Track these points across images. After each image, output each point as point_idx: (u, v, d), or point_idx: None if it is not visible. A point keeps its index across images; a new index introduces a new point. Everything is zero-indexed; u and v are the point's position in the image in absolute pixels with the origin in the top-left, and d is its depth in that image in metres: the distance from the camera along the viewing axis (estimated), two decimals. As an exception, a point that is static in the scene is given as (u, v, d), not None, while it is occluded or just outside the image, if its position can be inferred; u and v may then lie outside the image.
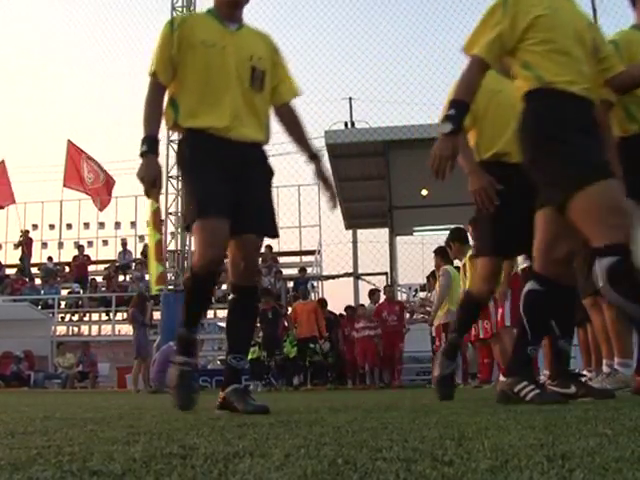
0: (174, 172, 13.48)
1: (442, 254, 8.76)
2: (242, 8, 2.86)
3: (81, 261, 18.45)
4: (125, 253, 18.64)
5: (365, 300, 12.82)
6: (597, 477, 0.93)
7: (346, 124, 15.81)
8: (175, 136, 13.50)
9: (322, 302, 12.97)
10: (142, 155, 2.76)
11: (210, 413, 2.73)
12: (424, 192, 15.79)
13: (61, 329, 17.55)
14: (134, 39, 18.85)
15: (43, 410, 3.42)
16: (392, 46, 16.22)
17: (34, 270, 19.03)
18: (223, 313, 16.53)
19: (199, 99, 2.74)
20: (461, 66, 2.89)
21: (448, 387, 3.70)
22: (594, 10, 12.72)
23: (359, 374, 11.54)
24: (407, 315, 11.79)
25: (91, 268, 18.97)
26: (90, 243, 19.45)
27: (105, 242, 19.58)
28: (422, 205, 15.67)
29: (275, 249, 17.41)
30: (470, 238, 7.25)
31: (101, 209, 17.93)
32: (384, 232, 17.03)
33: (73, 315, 17.69)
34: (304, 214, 18.29)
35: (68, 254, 19.40)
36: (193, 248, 10.66)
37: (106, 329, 17.31)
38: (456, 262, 8.93)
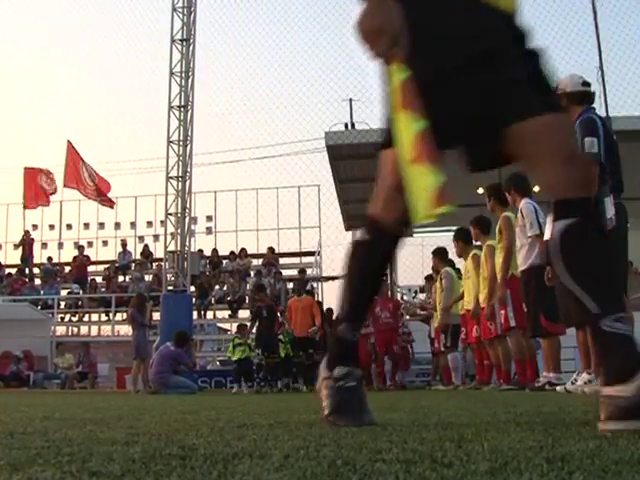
0: (174, 173, 13.46)
1: (441, 256, 8.83)
2: None
3: (81, 261, 18.46)
4: (125, 254, 18.63)
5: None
6: None
7: (346, 125, 15.82)
8: (175, 136, 13.57)
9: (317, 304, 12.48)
10: None
11: (209, 414, 2.73)
12: None
13: (60, 329, 17.54)
14: (134, 39, 18.90)
15: (42, 410, 3.41)
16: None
17: (34, 270, 19.06)
18: (222, 314, 16.84)
19: None
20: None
21: None
22: (594, 13, 12.70)
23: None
24: (401, 313, 11.10)
25: (91, 268, 18.99)
26: (90, 243, 19.45)
27: (105, 242, 19.59)
28: None
29: (275, 250, 17.49)
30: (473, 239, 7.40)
31: (111, 206, 17.92)
32: None
33: (73, 315, 17.66)
34: (304, 215, 18.32)
35: (68, 254, 19.46)
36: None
37: (105, 329, 17.32)
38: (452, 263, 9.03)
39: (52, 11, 25.60)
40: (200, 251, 16.81)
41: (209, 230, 18.66)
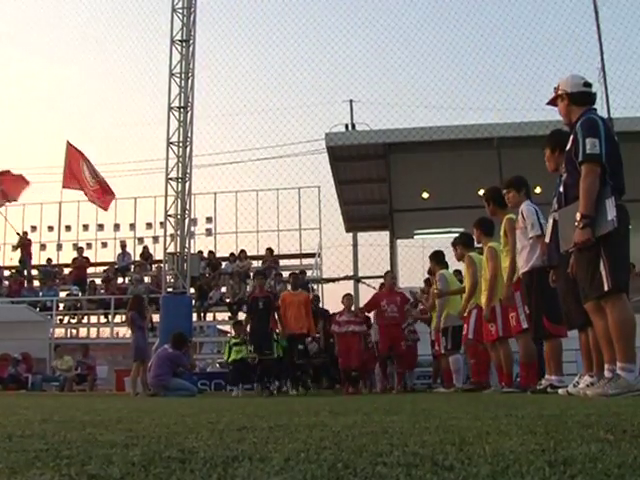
0: (174, 174, 13.46)
1: (437, 259, 8.84)
2: None
3: (80, 263, 18.44)
4: (124, 255, 18.61)
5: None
6: (599, 483, 0.93)
7: (347, 126, 15.89)
8: (175, 137, 13.57)
9: (314, 298, 12.14)
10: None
11: (209, 416, 2.72)
12: (425, 195, 15.87)
13: (59, 331, 17.54)
14: (134, 40, 18.95)
15: (41, 413, 3.41)
16: (393, 49, 16.28)
17: (32, 272, 19.05)
18: (222, 315, 16.89)
19: None
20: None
21: None
22: (596, 14, 12.70)
23: (349, 377, 10.02)
24: (407, 309, 10.38)
25: (90, 270, 18.97)
26: (89, 245, 19.44)
27: (104, 244, 19.58)
28: (423, 208, 15.68)
29: (275, 252, 17.46)
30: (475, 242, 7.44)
31: (106, 208, 17.89)
32: (385, 235, 17.05)
33: (72, 317, 17.61)
34: (304, 217, 18.30)
35: (67, 256, 19.44)
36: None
37: (105, 332, 17.29)
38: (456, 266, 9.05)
39: (51, 11, 25.48)
40: (200, 252, 16.81)
41: (209, 232, 18.69)
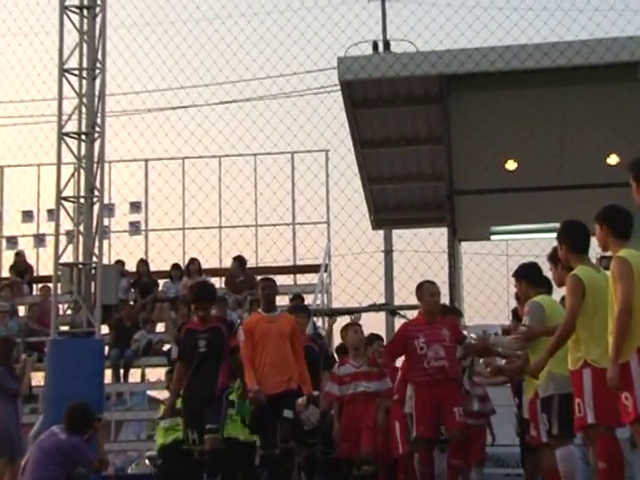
0: (72, 126, 12.93)
1: (528, 277, 8.49)
2: None
3: None
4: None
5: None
6: None
7: (375, 45, 15.77)
8: (73, 61, 13.05)
9: (302, 310, 10.88)
10: None
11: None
12: (511, 165, 15.56)
13: None
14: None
15: None
16: None
17: None
18: (157, 373, 16.67)
19: None
20: None
21: None
22: None
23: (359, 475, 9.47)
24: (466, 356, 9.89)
25: None
26: None
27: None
28: (507, 188, 15.19)
29: (251, 262, 17.14)
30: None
31: None
32: (440, 235, 17.04)
33: None
34: (302, 202, 17.77)
35: None
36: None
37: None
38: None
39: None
40: (119, 264, 16.51)
41: (135, 228, 18.31)
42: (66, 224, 13.54)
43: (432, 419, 8.74)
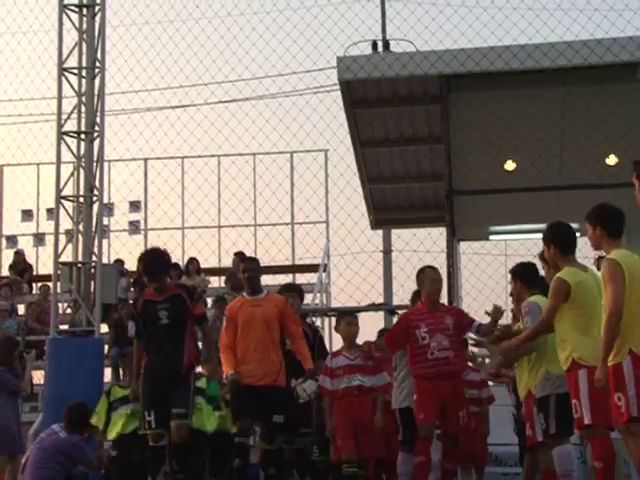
0: (71, 125, 12.80)
1: (525, 277, 8.45)
2: None
3: None
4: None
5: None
6: None
7: (375, 45, 15.43)
8: (73, 60, 12.90)
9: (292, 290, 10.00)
10: None
11: None
12: (510, 165, 15.53)
13: None
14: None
15: None
16: None
17: None
18: None
19: None
20: None
21: None
22: None
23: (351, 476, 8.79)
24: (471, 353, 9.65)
25: None
26: None
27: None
28: (505, 189, 15.11)
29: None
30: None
31: None
32: (439, 234, 16.85)
33: None
34: (301, 202, 17.86)
35: None
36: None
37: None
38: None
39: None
40: (119, 263, 16.45)
41: (135, 227, 18.29)
42: (65, 223, 13.51)
43: (434, 410, 8.14)
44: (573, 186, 13.58)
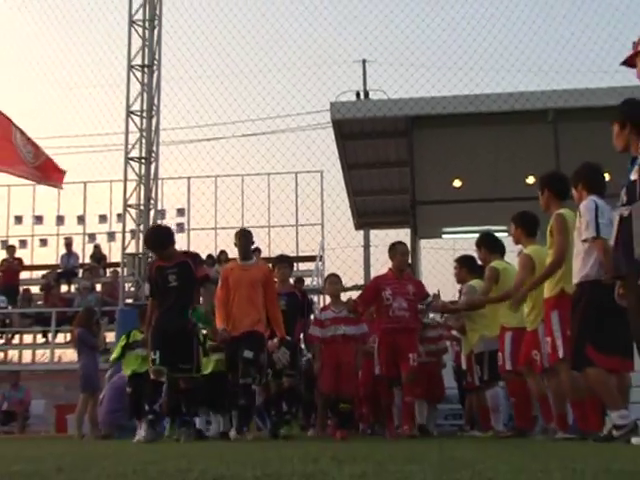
0: (135, 153, 13.70)
1: (468, 265, 8.83)
2: None
3: (10, 266, 18.37)
4: (70, 256, 18.62)
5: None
6: None
7: (358, 94, 15.88)
8: (137, 105, 13.68)
9: (283, 261, 9.27)
10: None
11: (178, 464, 2.72)
12: (457, 183, 15.94)
13: (-19, 355, 17.41)
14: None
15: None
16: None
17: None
18: None
19: None
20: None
21: None
22: None
23: (337, 412, 8.27)
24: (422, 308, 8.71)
25: (23, 275, 18.96)
26: (23, 242, 19.45)
27: (43, 241, 19.59)
28: (454, 200, 15.76)
29: (265, 253, 17.44)
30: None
31: (60, 185, 17.63)
32: (405, 234, 16.85)
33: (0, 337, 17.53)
34: (303, 210, 18.40)
35: (-8, 257, 19.23)
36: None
37: (42, 355, 17.27)
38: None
39: None
40: None
41: (180, 227, 18.69)
42: (130, 225, 14.18)
43: (391, 361, 7.94)
44: (503, 199, 13.85)
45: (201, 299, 9.47)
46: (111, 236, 18.68)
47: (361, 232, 19.16)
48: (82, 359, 11.15)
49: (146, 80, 13.84)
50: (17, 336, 17.66)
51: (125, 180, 13.74)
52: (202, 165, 19.99)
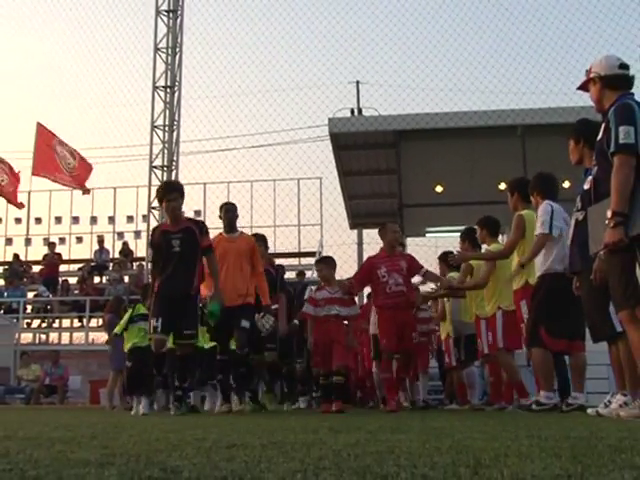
0: (158, 162, 13.73)
1: (447, 260, 8.58)
2: None
3: (51, 260, 18.41)
4: (102, 252, 18.64)
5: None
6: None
7: (352, 111, 15.92)
8: (160, 120, 13.57)
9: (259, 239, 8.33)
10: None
11: (195, 433, 2.73)
12: (439, 188, 15.95)
13: (26, 337, 17.51)
14: (114, 9, 18.96)
15: (3, 429, 3.44)
16: (406, 24, 16.29)
17: (-2, 269, 18.95)
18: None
19: None
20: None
21: None
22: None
23: (329, 386, 7.26)
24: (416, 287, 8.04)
25: (62, 268, 18.99)
26: (62, 240, 19.45)
27: (79, 239, 19.60)
28: (436, 203, 15.80)
29: (270, 250, 17.31)
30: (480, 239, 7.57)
31: (87, 192, 17.71)
32: None
33: (41, 321, 17.59)
34: (304, 211, 18.36)
35: (36, 252, 19.44)
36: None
37: (78, 337, 17.29)
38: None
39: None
40: None
41: None
42: (154, 224, 13.52)
43: (393, 335, 7.07)
44: (478, 202, 13.77)
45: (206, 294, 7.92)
46: (137, 234, 18.69)
47: (355, 231, 19.12)
48: (112, 341, 11.02)
49: (168, 99, 13.99)
50: (57, 321, 17.74)
51: (150, 185, 13.81)
52: (217, 172, 19.25)
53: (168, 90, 13.92)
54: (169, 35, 13.99)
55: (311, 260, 17.63)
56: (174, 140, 13.94)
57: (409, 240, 16.97)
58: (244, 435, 2.54)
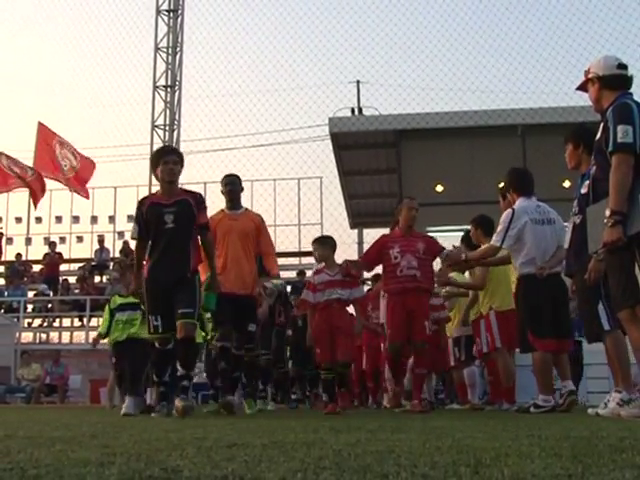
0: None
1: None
2: None
3: (52, 259, 18.43)
4: (102, 251, 18.66)
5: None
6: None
7: (353, 110, 15.92)
8: (160, 120, 13.57)
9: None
10: None
11: (195, 432, 2.73)
12: (439, 188, 15.94)
13: (26, 336, 17.52)
14: (114, 9, 18.97)
15: (4, 428, 3.42)
16: (406, 24, 16.28)
17: (-1, 269, 18.93)
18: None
19: None
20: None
21: None
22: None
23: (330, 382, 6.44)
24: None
25: (63, 267, 18.99)
26: (62, 239, 19.46)
27: (79, 238, 19.60)
28: (436, 202, 15.56)
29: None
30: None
31: (87, 196, 17.72)
32: None
33: (43, 321, 17.59)
34: (304, 211, 18.40)
35: (37, 251, 19.46)
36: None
37: (79, 336, 17.27)
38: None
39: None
40: None
41: None
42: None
43: (403, 325, 6.32)
44: (478, 202, 13.34)
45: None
46: (138, 233, 18.70)
47: (355, 231, 19.14)
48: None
49: (169, 99, 14.03)
50: (57, 320, 17.74)
51: (150, 184, 13.81)
52: (217, 172, 19.23)
53: (168, 90, 13.95)
54: (169, 35, 14.01)
55: (311, 260, 17.21)
56: (174, 140, 13.96)
57: (410, 240, 17.04)
58: (244, 434, 2.54)
